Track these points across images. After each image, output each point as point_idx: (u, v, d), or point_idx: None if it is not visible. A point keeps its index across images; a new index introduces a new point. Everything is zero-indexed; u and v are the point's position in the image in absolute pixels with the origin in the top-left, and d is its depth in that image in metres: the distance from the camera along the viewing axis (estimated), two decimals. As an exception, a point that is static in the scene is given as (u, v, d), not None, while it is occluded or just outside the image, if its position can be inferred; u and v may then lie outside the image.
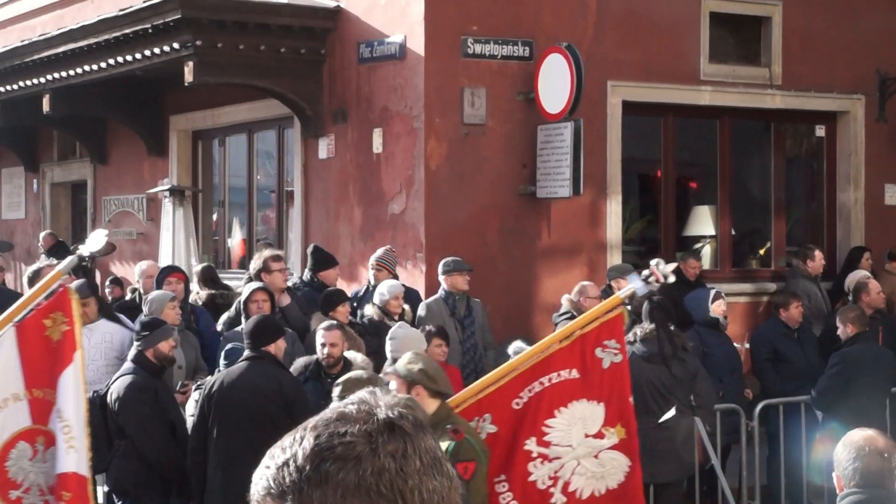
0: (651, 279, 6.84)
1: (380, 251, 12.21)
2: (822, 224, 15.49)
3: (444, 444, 6.70)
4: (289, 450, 1.85)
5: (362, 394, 1.90)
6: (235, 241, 16.61)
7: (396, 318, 11.17)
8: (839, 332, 11.39)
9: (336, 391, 7.56)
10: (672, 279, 6.86)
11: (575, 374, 7.10)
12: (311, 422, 1.87)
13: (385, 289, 11.33)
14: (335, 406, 1.89)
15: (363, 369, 9.72)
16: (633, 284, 6.81)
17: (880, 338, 12.48)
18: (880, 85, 15.09)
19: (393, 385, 7.23)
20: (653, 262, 6.90)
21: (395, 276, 12.15)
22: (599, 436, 7.20)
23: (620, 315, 7.25)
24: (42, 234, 19.05)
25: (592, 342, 7.16)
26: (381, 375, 7.65)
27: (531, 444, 7.30)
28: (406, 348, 9.18)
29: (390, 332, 9.57)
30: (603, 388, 7.23)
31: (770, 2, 14.60)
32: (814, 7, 14.82)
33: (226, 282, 13.45)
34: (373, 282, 11.90)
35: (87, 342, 10.77)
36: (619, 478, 7.22)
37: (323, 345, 9.48)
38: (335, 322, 9.81)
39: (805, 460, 11.32)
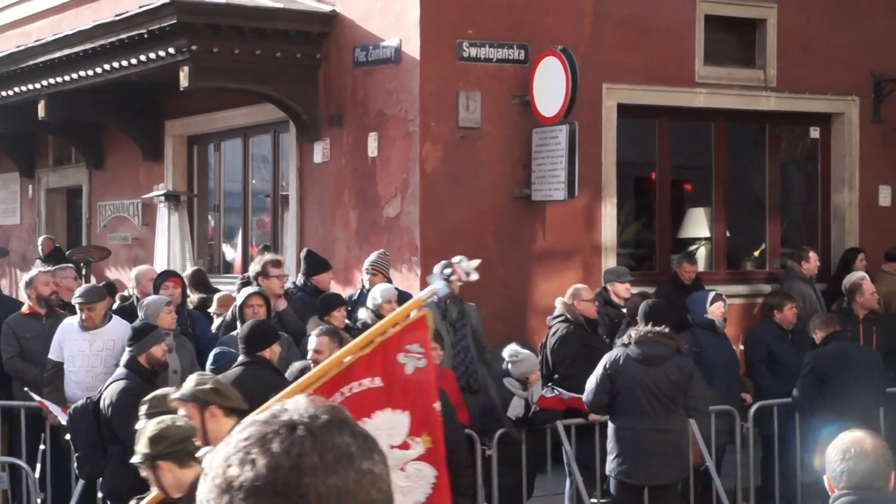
0: (453, 277, 6.42)
1: (373, 255, 12.23)
2: (817, 225, 15.52)
3: None
4: (211, 462, 1.95)
5: (294, 399, 1.98)
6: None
7: None
8: (816, 341, 11.38)
9: (142, 409, 7.06)
10: (475, 277, 6.38)
11: (378, 382, 6.58)
12: (232, 431, 1.97)
13: (378, 293, 11.35)
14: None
15: None
16: (434, 285, 6.40)
17: (874, 339, 12.51)
18: (875, 86, 15.12)
19: (182, 412, 6.75)
20: (455, 259, 6.49)
21: (390, 280, 12.17)
22: (405, 446, 6.68)
23: (423, 317, 6.65)
24: (41, 239, 19.08)
25: (394, 347, 6.61)
26: (170, 401, 6.93)
27: None
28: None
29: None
30: (407, 396, 6.66)
31: (765, 4, 14.63)
32: (809, 9, 14.84)
33: (226, 286, 13.46)
34: (367, 286, 11.92)
35: (89, 348, 10.82)
36: (426, 490, 6.80)
37: (311, 350, 9.53)
38: (329, 327, 9.81)
39: (799, 461, 11.34)
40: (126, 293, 13.22)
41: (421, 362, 6.63)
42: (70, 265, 14.33)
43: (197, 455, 6.21)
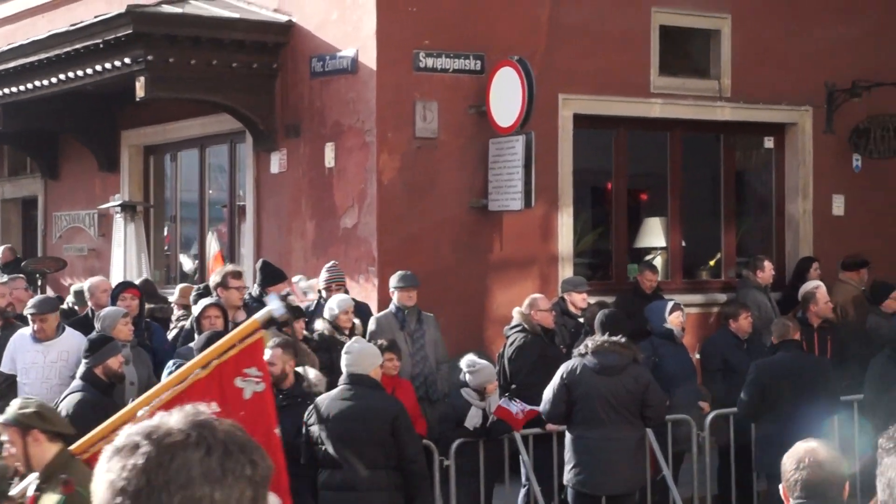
0: (290, 298, 6.26)
1: (324, 273, 12.17)
2: (772, 235, 15.63)
3: (53, 498, 6.17)
4: None
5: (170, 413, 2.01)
6: (212, 253, 16.46)
7: (347, 332, 11.19)
8: None
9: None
10: (312, 296, 6.26)
11: (214, 406, 6.03)
12: None
13: (335, 304, 11.36)
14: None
15: (317, 385, 9.74)
16: (271, 305, 6.16)
17: (829, 348, 12.61)
18: (828, 97, 15.25)
19: (5, 437, 6.55)
20: (294, 279, 6.36)
21: (346, 290, 12.17)
22: None
23: (260, 340, 6.39)
24: (0, 248, 18.97)
25: (231, 371, 6.34)
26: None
27: None
28: (361, 362, 9.21)
29: (346, 346, 9.58)
30: (246, 421, 6.49)
31: (719, 15, 14.74)
32: (762, 20, 14.96)
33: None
34: (324, 296, 11.92)
35: (43, 360, 10.76)
36: None
37: None
38: (283, 339, 9.82)
39: (755, 469, 11.41)
40: (64, 306, 13.15)
41: (259, 386, 6.38)
42: (21, 276, 14.25)
43: (10, 494, 6.14)
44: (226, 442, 1.96)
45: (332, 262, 12.43)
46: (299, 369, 9.73)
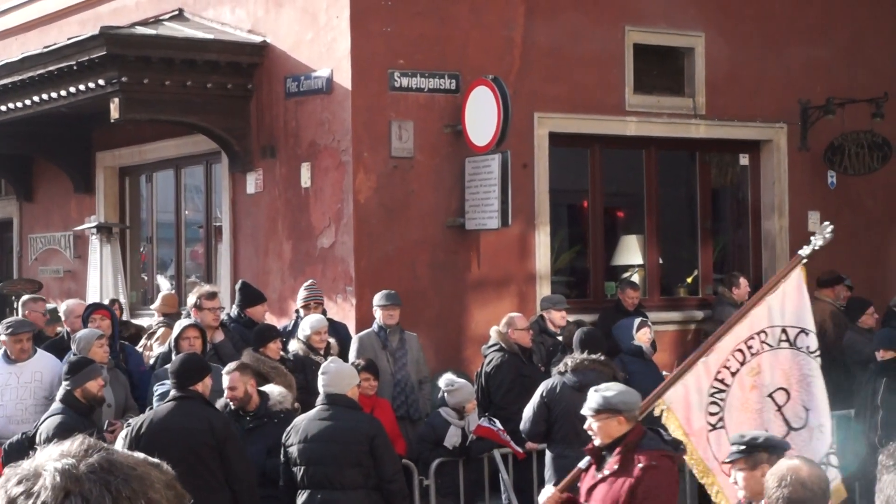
0: None
1: (302, 292, 12.17)
2: (748, 251, 15.66)
3: None
4: None
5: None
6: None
7: (322, 352, 11.16)
8: None
9: None
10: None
11: None
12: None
13: (308, 324, 11.35)
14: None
15: (282, 402, 9.71)
16: None
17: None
18: (802, 114, 15.30)
19: None
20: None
21: (324, 309, 12.15)
22: None
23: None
24: None
25: None
26: None
27: None
28: (338, 382, 9.18)
29: (322, 366, 9.55)
30: None
31: (692, 33, 14.79)
32: (736, 39, 15.02)
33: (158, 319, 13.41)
34: (302, 315, 11.90)
35: (17, 381, 10.70)
36: None
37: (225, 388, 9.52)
38: (240, 362, 9.83)
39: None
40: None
41: None
42: (42, 298, 14.15)
43: None
44: (69, 491, 1.91)
45: (310, 281, 12.41)
46: (264, 388, 9.72)
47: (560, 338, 12.32)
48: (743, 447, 6.37)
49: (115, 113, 13.58)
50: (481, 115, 12.97)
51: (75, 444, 1.98)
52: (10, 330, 10.86)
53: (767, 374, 7.22)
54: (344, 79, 13.06)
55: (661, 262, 15.22)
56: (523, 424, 10.15)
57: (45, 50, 14.41)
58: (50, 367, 10.84)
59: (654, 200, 15.08)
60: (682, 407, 7.56)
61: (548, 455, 10.18)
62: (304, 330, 11.32)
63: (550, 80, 13.85)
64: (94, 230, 16.13)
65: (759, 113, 15.18)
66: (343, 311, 12.90)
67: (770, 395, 7.16)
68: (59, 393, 9.37)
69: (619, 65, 14.32)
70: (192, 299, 11.61)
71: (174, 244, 16.62)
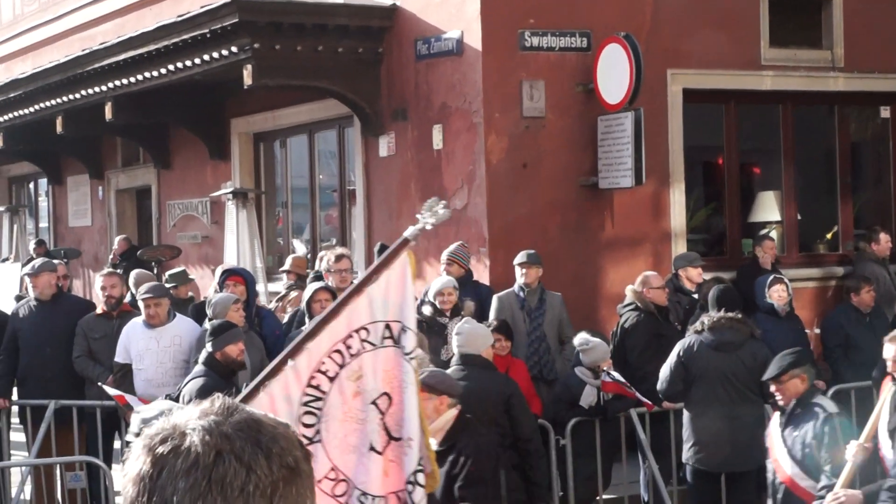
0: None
1: (452, 246, 12.20)
2: (889, 206, 15.32)
3: None
4: None
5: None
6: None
7: (448, 314, 11.14)
8: None
9: None
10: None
11: None
12: None
13: (434, 286, 11.36)
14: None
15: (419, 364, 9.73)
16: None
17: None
18: (945, 63, 14.89)
19: None
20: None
21: (468, 272, 12.16)
22: None
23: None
24: (117, 238, 19.27)
25: None
26: None
27: None
28: (473, 342, 9.18)
29: (457, 327, 9.57)
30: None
31: (830, -16, 14.45)
32: (874, -13, 14.64)
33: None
34: (443, 270, 11.92)
35: (157, 345, 10.90)
36: None
37: None
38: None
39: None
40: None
41: None
42: (59, 262, 14.32)
43: None
44: (221, 449, 1.86)
45: (460, 242, 12.42)
46: None
47: (696, 296, 12.17)
48: None
49: (247, 79, 13.70)
50: (613, 73, 12.83)
51: (216, 404, 1.94)
52: (147, 295, 11.06)
53: (370, 378, 5.94)
54: (474, 40, 13.01)
55: (799, 218, 14.95)
56: (660, 384, 10.06)
57: (179, 19, 14.58)
58: (189, 332, 11.02)
59: (791, 156, 14.80)
60: None
61: (686, 414, 10.08)
62: (431, 291, 11.33)
63: (683, 35, 13.64)
64: (230, 196, 16.32)
65: (900, 64, 14.78)
66: (477, 272, 12.88)
67: (374, 402, 5.91)
68: (202, 356, 9.50)
69: (753, 18, 14.05)
70: (322, 263, 11.72)
71: (309, 209, 16.76)
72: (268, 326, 11.51)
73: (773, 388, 8.43)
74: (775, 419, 8.50)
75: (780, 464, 8.33)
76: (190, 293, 13.86)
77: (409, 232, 6.06)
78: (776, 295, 11.70)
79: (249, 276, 12.23)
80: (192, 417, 1.90)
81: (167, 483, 1.83)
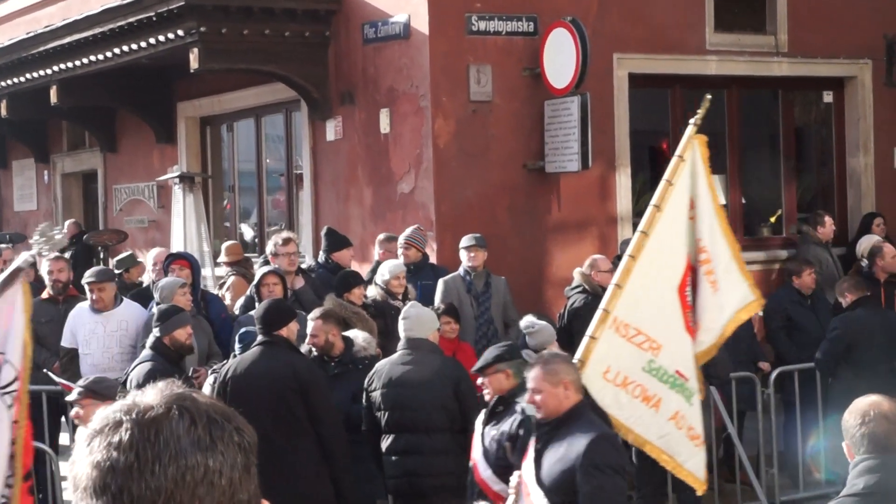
0: None
1: (409, 230, 12.21)
2: (833, 190, 15.48)
3: None
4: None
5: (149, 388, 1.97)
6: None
7: (400, 297, 11.19)
8: (843, 304, 11.41)
9: None
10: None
11: None
12: None
13: (386, 269, 11.38)
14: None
15: (366, 348, 9.76)
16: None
17: (895, 302, 12.48)
18: (887, 49, 15.04)
19: None
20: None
21: (425, 255, 12.20)
22: None
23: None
24: (67, 223, 19.15)
25: None
26: None
27: None
28: (420, 327, 9.20)
29: (403, 311, 9.59)
30: None
31: (774, -31, 14.56)
32: (818, -27, 14.77)
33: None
34: (401, 260, 11.94)
35: (103, 329, 10.86)
36: None
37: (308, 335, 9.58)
38: (324, 310, 9.87)
39: (821, 426, 11.34)
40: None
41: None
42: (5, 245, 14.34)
43: None
44: (208, 412, 1.92)
45: (417, 225, 12.43)
46: (349, 334, 9.77)
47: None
48: None
49: (194, 63, 13.66)
50: (560, 57, 12.89)
51: (163, 387, 1.98)
52: (91, 279, 11.03)
53: None
54: (421, 24, 13.02)
55: (743, 201, 15.08)
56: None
57: (125, 2, 14.50)
58: (136, 316, 10.99)
59: (736, 140, 14.92)
60: None
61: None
62: (383, 275, 11.35)
63: (629, 20, 13.71)
64: (177, 180, 16.27)
65: (843, 49, 14.92)
66: (424, 256, 12.93)
67: None
68: (149, 340, 9.48)
69: (699, 3, 14.14)
70: (269, 247, 11.73)
71: (256, 193, 16.74)
72: (214, 310, 11.50)
73: (480, 380, 7.99)
74: (481, 416, 8.02)
75: (477, 464, 7.82)
76: (141, 278, 13.82)
77: (21, 260, 5.88)
78: None
79: (195, 260, 12.22)
80: (159, 395, 1.94)
81: (169, 439, 1.87)
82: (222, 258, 13.74)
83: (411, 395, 8.90)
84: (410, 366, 8.97)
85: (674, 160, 7.64)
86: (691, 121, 7.56)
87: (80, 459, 1.90)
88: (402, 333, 9.25)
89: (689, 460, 7.42)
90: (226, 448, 1.89)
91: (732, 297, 7.55)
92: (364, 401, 9.12)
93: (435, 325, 9.43)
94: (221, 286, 13.08)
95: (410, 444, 8.93)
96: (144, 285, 12.95)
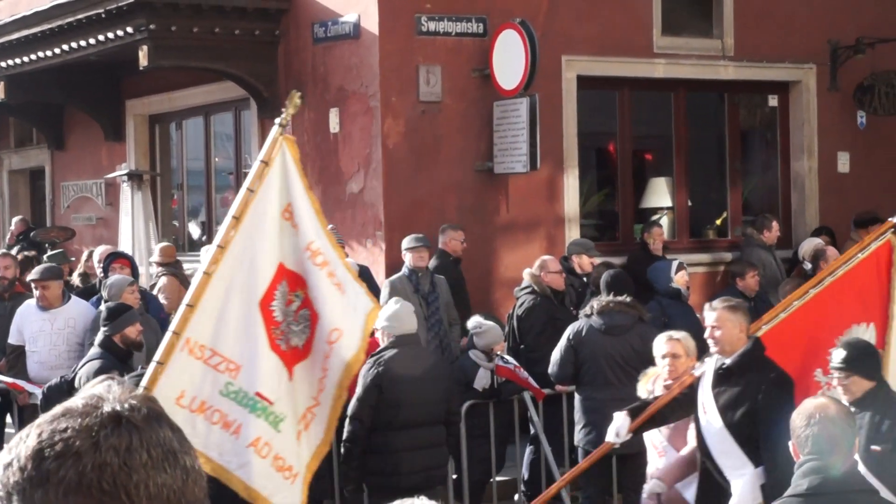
0: None
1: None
2: (777, 193, 15.63)
3: None
4: (14, 449, 1.75)
5: (96, 387, 1.84)
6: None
7: None
8: None
9: None
10: None
11: None
12: (39, 419, 1.78)
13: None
14: (65, 401, 1.81)
15: None
16: None
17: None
18: (832, 54, 15.21)
19: None
20: None
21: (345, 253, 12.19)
22: None
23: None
24: (14, 220, 19.03)
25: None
26: None
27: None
28: (405, 323, 9.25)
29: (384, 310, 9.58)
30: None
31: (721, -26, 14.69)
32: (765, -22, 14.92)
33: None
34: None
35: (50, 327, 10.82)
36: None
37: None
38: None
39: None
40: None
41: None
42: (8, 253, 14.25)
43: None
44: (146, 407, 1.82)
45: (330, 226, 12.41)
46: None
47: (586, 279, 12.34)
48: None
49: (143, 60, 13.63)
50: (509, 58, 12.96)
51: (113, 385, 1.96)
52: (35, 276, 11.00)
53: None
54: (371, 24, 13.06)
55: (689, 204, 15.21)
56: (551, 367, 10.21)
57: (74, -2, 14.46)
58: (83, 314, 10.96)
59: (682, 142, 15.05)
60: None
61: (577, 397, 10.24)
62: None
63: (578, 22, 13.80)
64: (125, 178, 16.21)
65: (788, 54, 15.09)
66: (373, 255, 12.97)
67: None
68: (98, 338, 9.47)
69: (647, 6, 14.25)
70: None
71: (204, 191, 16.71)
72: (153, 309, 11.46)
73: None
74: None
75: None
76: (69, 277, 13.73)
77: None
78: (682, 280, 11.93)
79: (132, 258, 12.21)
80: (131, 399, 1.83)
81: (156, 432, 1.77)
82: (155, 258, 13.52)
83: (433, 389, 9.04)
84: (407, 360, 9.04)
85: (256, 165, 6.94)
86: (277, 121, 6.88)
87: (59, 454, 1.73)
88: (382, 332, 9.23)
89: (276, 494, 6.70)
90: (194, 454, 1.83)
91: (359, 300, 7.16)
92: (364, 400, 9.05)
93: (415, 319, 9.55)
94: (153, 287, 13.01)
95: (421, 437, 9.10)
96: (91, 283, 12.90)
